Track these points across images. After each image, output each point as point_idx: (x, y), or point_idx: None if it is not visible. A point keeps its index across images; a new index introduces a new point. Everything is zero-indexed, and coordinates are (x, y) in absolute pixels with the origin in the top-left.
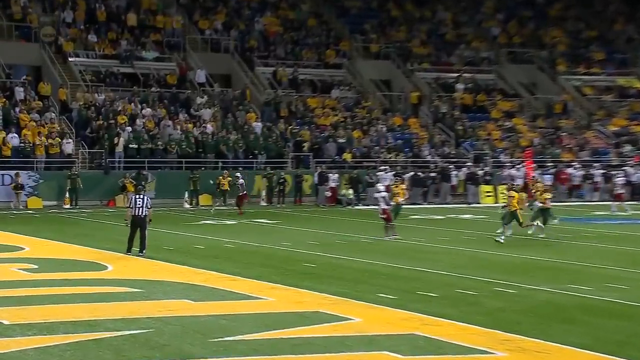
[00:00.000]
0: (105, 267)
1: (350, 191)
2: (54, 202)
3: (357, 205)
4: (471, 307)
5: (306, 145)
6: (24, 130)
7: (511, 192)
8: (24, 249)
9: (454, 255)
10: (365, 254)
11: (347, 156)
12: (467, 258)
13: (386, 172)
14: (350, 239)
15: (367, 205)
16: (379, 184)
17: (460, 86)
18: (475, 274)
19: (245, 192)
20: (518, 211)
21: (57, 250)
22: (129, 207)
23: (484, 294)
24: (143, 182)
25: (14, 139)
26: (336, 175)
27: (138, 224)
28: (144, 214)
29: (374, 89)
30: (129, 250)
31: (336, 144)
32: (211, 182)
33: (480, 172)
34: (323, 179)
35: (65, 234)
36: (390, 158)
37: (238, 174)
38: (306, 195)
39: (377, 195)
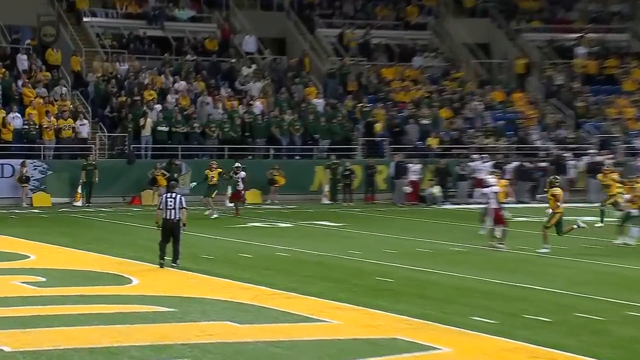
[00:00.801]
0: (129, 281)
1: (437, 187)
2: (65, 199)
3: (445, 204)
4: (596, 337)
5: (380, 127)
6: (28, 109)
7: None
8: (28, 257)
9: (573, 269)
10: (456, 266)
11: (432, 142)
12: (590, 273)
13: (483, 162)
14: (436, 246)
15: (458, 204)
16: (479, 175)
17: (581, 50)
18: (600, 293)
19: (243, 189)
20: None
21: (69, 259)
22: (159, 208)
23: (613, 320)
24: (176, 175)
25: (16, 120)
26: (418, 165)
27: (170, 229)
28: (176, 217)
29: (468, 56)
30: (161, 260)
31: (419, 127)
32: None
33: (607, 162)
34: (401, 170)
35: (79, 239)
36: (488, 144)
37: (238, 164)
38: (380, 191)
39: (486, 190)
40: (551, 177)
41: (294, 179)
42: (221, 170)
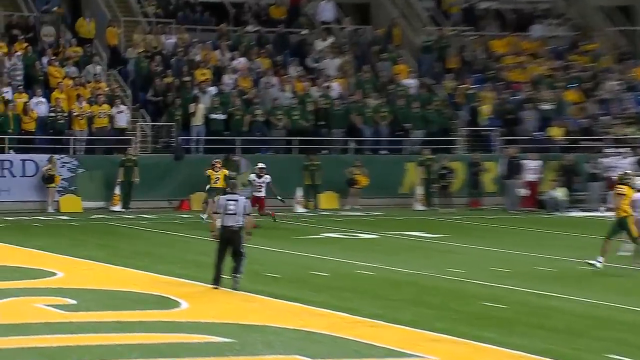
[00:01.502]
0: (177, 304)
1: (561, 189)
2: (100, 203)
3: (571, 211)
4: None
5: (487, 114)
6: (55, 93)
7: None
8: (55, 274)
9: None
10: (587, 289)
11: (555, 132)
12: None
13: (622, 158)
14: (561, 264)
15: (588, 210)
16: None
17: None
18: None
19: (264, 196)
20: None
21: (104, 278)
22: (215, 212)
23: None
24: (234, 173)
25: (40, 106)
26: (537, 162)
27: (229, 240)
28: (238, 224)
29: (604, 22)
30: (216, 281)
31: (538, 113)
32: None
33: None
34: (515, 168)
35: (116, 252)
36: (628, 134)
37: (262, 165)
38: (487, 194)
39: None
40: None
41: (379, 179)
42: (228, 172)
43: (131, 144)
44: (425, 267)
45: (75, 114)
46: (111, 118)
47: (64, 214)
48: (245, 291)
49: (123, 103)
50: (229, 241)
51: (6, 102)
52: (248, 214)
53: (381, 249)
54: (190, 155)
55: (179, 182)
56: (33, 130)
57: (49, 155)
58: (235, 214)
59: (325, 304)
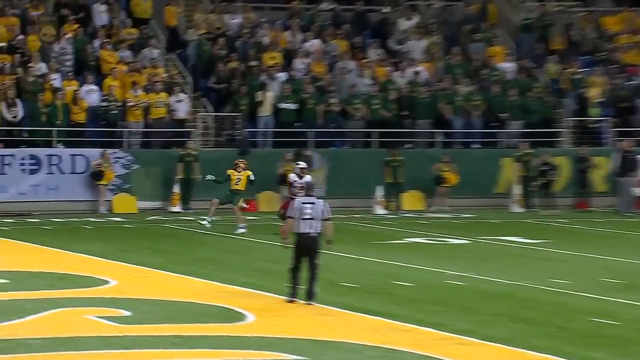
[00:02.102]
0: (243, 317)
1: None
2: (156, 203)
3: None
4: None
5: (597, 102)
6: (108, 80)
7: None
8: (107, 283)
9: None
10: None
11: None
12: None
13: None
14: None
15: None
16: None
17: None
18: None
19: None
20: None
21: (161, 287)
22: (289, 216)
23: None
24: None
25: (91, 95)
26: None
27: (306, 247)
28: (316, 230)
29: None
30: (293, 294)
31: None
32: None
33: None
34: (629, 164)
35: (174, 258)
36: None
37: (303, 164)
38: (597, 194)
39: None
40: None
41: (470, 176)
42: (250, 174)
43: (191, 136)
44: (524, 277)
45: (129, 103)
46: (169, 108)
47: (117, 215)
48: (321, 304)
49: (182, 91)
50: (306, 250)
51: (54, 91)
52: (327, 219)
53: (472, 256)
54: (257, 149)
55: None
56: (83, 121)
57: (101, 150)
58: (312, 219)
59: (408, 318)
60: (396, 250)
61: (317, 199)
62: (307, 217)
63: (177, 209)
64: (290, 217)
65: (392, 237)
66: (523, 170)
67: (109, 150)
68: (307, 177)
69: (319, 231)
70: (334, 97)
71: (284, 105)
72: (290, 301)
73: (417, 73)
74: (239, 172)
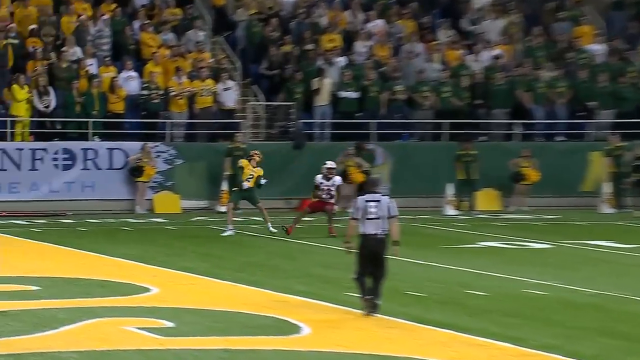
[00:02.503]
0: (298, 329)
1: None
2: (202, 202)
3: None
4: None
5: None
6: (148, 65)
7: None
8: (148, 290)
9: None
10: None
11: None
12: None
13: None
14: None
15: None
16: None
17: None
18: None
19: (335, 201)
20: None
21: (208, 295)
22: (353, 218)
23: None
24: (369, 165)
25: (130, 82)
26: None
27: (373, 252)
28: (383, 231)
29: None
30: (368, 302)
31: None
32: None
33: None
34: None
35: (222, 264)
36: None
37: (331, 164)
38: None
39: None
40: None
41: (553, 172)
42: (256, 172)
43: (240, 128)
44: (615, 286)
45: (172, 92)
46: (216, 97)
47: (158, 215)
48: (385, 315)
49: (231, 78)
50: (372, 254)
51: (90, 78)
52: (393, 216)
53: (555, 263)
54: (312, 142)
55: (300, 177)
56: (122, 111)
57: (141, 144)
58: (378, 218)
59: (483, 332)
60: (469, 256)
61: (382, 196)
62: (373, 216)
63: (225, 208)
64: (353, 219)
65: (464, 241)
66: (614, 165)
67: (150, 144)
68: (336, 179)
69: (386, 232)
70: (399, 84)
71: (343, 94)
72: (369, 313)
73: (493, 57)
74: (253, 166)
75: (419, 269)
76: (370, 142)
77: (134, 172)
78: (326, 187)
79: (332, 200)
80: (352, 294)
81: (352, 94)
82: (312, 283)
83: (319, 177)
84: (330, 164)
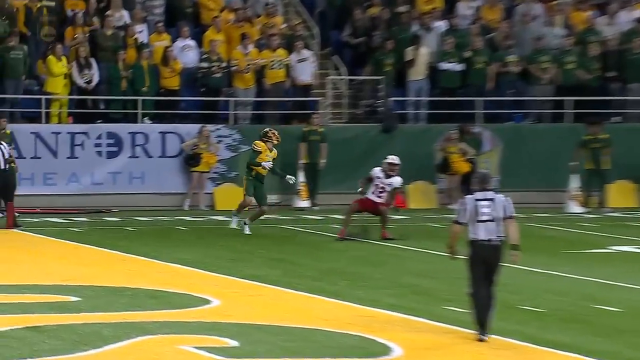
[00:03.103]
0: (387, 351)
1: None
2: (273, 196)
3: None
4: None
5: None
6: (209, 32)
7: None
8: (208, 302)
9: None
10: None
11: None
12: None
13: None
14: None
15: None
16: None
17: None
18: None
19: (388, 202)
20: None
21: (279, 308)
22: (458, 222)
23: None
24: (474, 152)
25: (187, 52)
26: None
27: (487, 261)
28: (498, 236)
29: None
30: (482, 327)
31: None
32: None
33: None
34: None
35: (295, 271)
36: None
37: (393, 158)
38: None
39: None
40: None
41: None
42: (268, 156)
43: (318, 108)
44: None
45: (235, 67)
46: (289, 70)
47: (220, 212)
48: (492, 334)
49: (307, 47)
50: (486, 263)
51: (139, 47)
52: (510, 217)
53: None
54: (406, 125)
55: None
56: (177, 88)
57: (199, 126)
58: (492, 221)
59: (615, 356)
60: (598, 263)
61: (496, 194)
62: (485, 218)
63: (304, 203)
64: (458, 222)
65: (592, 245)
66: None
67: (209, 127)
68: (396, 180)
69: (502, 237)
70: (512, 54)
71: (443, 66)
72: (481, 340)
73: (635, 20)
74: (270, 150)
75: (536, 278)
76: (476, 125)
77: (190, 160)
78: (381, 185)
79: (381, 201)
80: (452, 308)
81: (455, 66)
82: (403, 295)
83: (377, 170)
84: (393, 158)
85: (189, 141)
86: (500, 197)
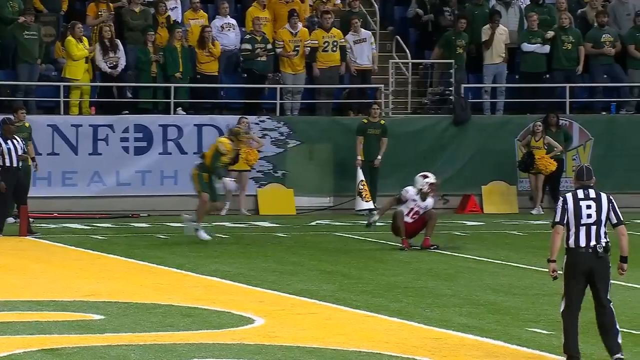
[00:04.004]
0: None
1: None
2: (325, 198)
3: None
4: None
5: None
6: (251, 9)
7: None
8: (252, 321)
9: None
10: None
11: None
12: None
13: None
14: None
15: None
16: None
17: None
18: None
19: (410, 221)
20: None
21: (333, 328)
22: (557, 223)
23: None
24: (562, 147)
25: (228, 33)
26: None
27: (589, 272)
28: (603, 243)
29: None
30: (572, 353)
31: None
32: None
33: None
34: None
35: (351, 285)
36: None
37: (429, 177)
38: None
39: None
40: None
41: None
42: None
43: (378, 96)
44: None
45: (281, 51)
46: (345, 52)
47: (264, 218)
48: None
49: (365, 26)
50: (589, 276)
51: (171, 27)
52: (619, 223)
53: None
54: (481, 116)
55: (461, 164)
56: (215, 73)
57: (239, 117)
58: (595, 224)
59: None
60: None
61: (600, 192)
62: (588, 221)
63: (366, 205)
64: (558, 224)
65: None
66: None
67: (249, 118)
68: (430, 201)
69: (607, 244)
70: (606, 33)
71: (527, 47)
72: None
73: None
74: (234, 145)
75: (636, 295)
76: (564, 116)
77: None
78: (416, 209)
79: (410, 219)
80: (537, 330)
81: (539, 47)
82: (478, 314)
83: (412, 192)
84: (432, 178)
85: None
86: (604, 196)
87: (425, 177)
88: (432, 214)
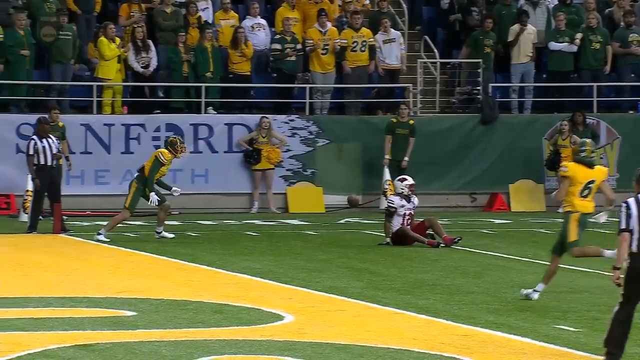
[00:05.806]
0: None
1: None
2: (357, 197)
3: None
4: None
5: None
6: (281, 9)
7: None
8: (282, 318)
9: None
10: None
11: None
12: None
13: None
14: None
15: None
16: None
17: None
18: None
19: (398, 226)
20: None
21: (361, 325)
22: (626, 230)
23: None
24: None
25: (258, 33)
26: None
27: None
28: None
29: None
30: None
31: None
32: None
33: None
34: None
35: (381, 282)
36: None
37: (410, 180)
38: None
39: None
40: None
41: None
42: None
43: (407, 96)
44: None
45: (314, 46)
46: (374, 52)
47: (293, 215)
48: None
49: (395, 26)
50: None
51: (202, 27)
52: None
53: None
54: (509, 115)
55: (489, 163)
56: (247, 73)
57: (260, 117)
58: None
59: None
60: None
61: None
62: None
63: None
64: (624, 230)
65: None
66: None
67: (270, 117)
68: (415, 199)
69: None
70: (634, 32)
71: (555, 46)
72: None
73: None
74: (171, 155)
75: None
76: (591, 115)
77: (248, 158)
78: (408, 211)
79: (398, 224)
80: (565, 327)
81: (566, 46)
82: (505, 311)
83: (396, 200)
84: (410, 180)
85: (245, 136)
86: None
87: (404, 180)
88: (432, 220)
